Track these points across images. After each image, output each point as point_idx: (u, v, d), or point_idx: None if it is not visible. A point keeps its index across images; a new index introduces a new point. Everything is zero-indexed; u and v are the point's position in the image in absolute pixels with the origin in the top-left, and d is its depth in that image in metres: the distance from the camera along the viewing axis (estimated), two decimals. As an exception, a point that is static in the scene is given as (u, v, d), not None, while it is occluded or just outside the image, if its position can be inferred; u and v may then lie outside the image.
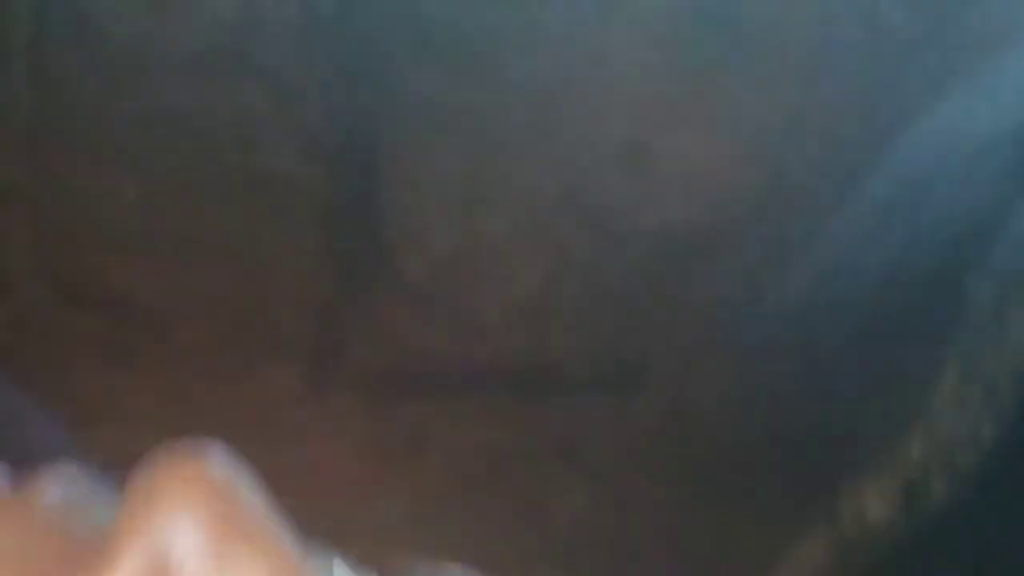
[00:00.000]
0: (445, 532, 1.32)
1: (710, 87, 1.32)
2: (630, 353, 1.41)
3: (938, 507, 0.91)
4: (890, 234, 0.98)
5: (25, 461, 0.52)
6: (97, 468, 0.60)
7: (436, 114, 1.40)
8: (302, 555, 0.33)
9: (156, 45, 1.43)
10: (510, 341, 1.42)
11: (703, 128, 1.33)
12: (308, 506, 1.31)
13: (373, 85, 1.43)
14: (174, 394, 1.48)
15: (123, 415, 1.44)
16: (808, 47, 1.30)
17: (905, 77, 1.24)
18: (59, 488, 0.35)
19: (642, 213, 1.36)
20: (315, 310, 1.53)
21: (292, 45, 1.45)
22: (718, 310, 1.35)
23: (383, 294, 1.47)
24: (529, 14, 1.35)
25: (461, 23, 1.38)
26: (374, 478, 1.39)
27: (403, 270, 1.44)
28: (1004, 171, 0.88)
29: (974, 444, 0.87)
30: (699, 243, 1.35)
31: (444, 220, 1.41)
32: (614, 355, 1.42)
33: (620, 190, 1.36)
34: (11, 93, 1.42)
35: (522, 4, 1.35)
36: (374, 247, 1.46)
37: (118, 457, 1.35)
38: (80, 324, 1.51)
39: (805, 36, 1.30)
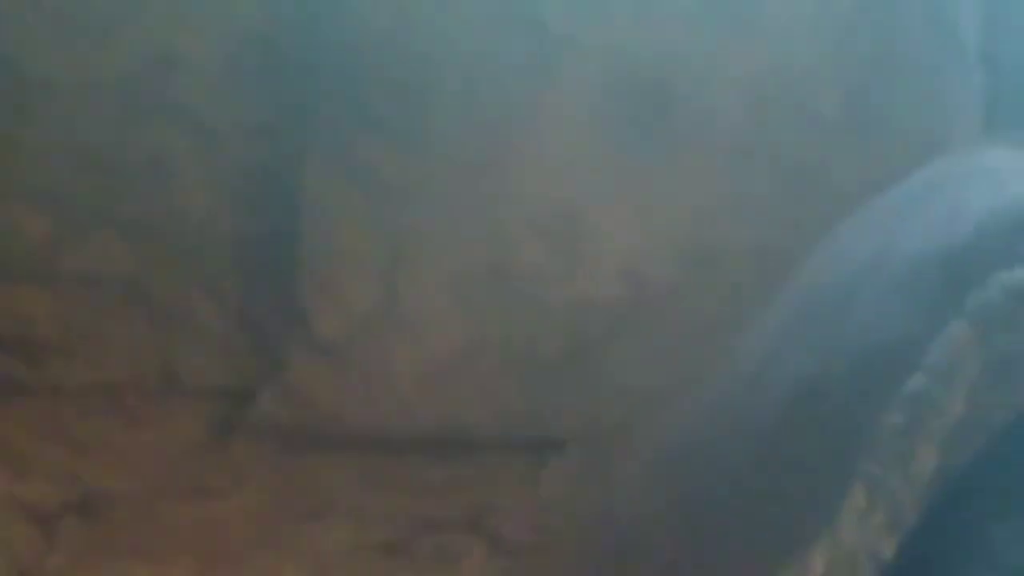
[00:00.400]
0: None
1: (641, 165, 1.32)
2: (544, 424, 1.40)
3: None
4: (808, 340, 0.96)
5: None
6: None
7: (361, 172, 1.38)
8: None
9: (70, 77, 1.41)
10: (423, 404, 1.40)
11: (631, 205, 1.32)
12: (203, 565, 1.27)
13: (298, 137, 1.40)
14: (69, 436, 1.45)
15: (15, 456, 1.40)
16: (741, 132, 1.30)
17: (834, 169, 1.24)
18: None
19: (564, 285, 1.35)
20: (224, 358, 1.50)
21: (216, 87, 1.42)
22: (634, 389, 1.34)
23: (296, 347, 1.44)
24: (464, 81, 1.34)
25: (395, 85, 1.36)
26: (275, 538, 1.36)
27: (318, 324, 1.42)
28: (928, 293, 0.87)
29: (873, 561, 0.87)
30: (618, 320, 1.34)
31: (363, 278, 1.39)
32: (527, 425, 1.41)
33: (544, 261, 1.35)
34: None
35: (457, 70, 1.34)
36: (289, 298, 1.44)
37: (7, 500, 1.31)
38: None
39: (739, 121, 1.30)
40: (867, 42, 1.35)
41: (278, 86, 1.44)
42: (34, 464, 1.40)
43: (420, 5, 1.37)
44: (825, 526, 0.88)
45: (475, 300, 1.37)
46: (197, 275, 1.49)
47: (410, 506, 1.38)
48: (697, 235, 1.32)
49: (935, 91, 1.36)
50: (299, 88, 1.43)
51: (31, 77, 1.44)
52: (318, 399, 1.43)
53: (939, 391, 0.82)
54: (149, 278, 1.49)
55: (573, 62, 1.34)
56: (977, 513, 0.88)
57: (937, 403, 0.82)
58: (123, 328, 1.50)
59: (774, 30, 1.35)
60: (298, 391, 1.44)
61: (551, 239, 1.35)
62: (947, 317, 0.83)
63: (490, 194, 1.35)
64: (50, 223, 1.48)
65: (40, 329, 1.49)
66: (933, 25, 1.37)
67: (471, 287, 1.37)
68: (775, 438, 0.94)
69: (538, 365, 1.37)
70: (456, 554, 1.34)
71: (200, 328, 1.50)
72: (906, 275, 0.90)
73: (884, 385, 0.86)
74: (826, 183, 1.28)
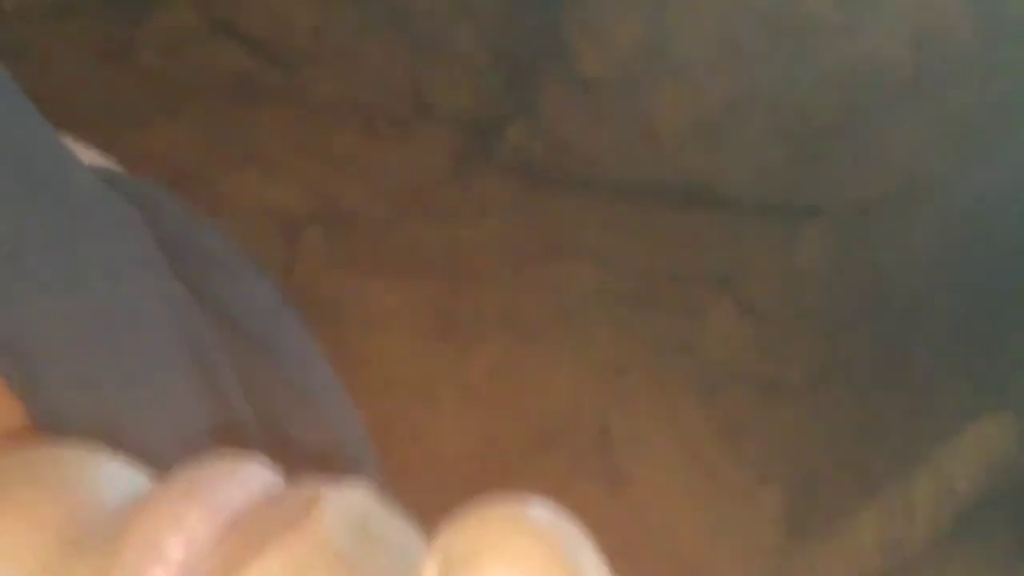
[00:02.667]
0: (586, 338, 1.26)
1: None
2: (804, 189, 1.35)
3: None
4: None
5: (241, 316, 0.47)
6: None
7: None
8: None
9: None
10: (680, 155, 1.36)
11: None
12: (445, 288, 1.25)
13: None
14: (317, 148, 1.42)
15: (265, 161, 1.39)
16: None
17: None
18: (346, 511, 0.28)
19: (846, 43, 1.28)
20: (477, 89, 1.46)
21: None
22: (906, 166, 1.28)
23: (553, 83, 1.40)
24: None
25: None
26: (518, 271, 1.33)
27: (579, 62, 1.37)
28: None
29: None
30: (902, 87, 1.27)
31: (630, 16, 1.34)
32: (787, 188, 1.36)
33: (827, 13, 1.28)
34: None
35: None
36: (551, 33, 1.40)
37: (256, 205, 1.29)
38: (225, 57, 1.45)
39: None
40: None
41: None
42: (283, 172, 1.39)
43: None
44: None
45: (747, 51, 1.31)
46: (458, 1, 1.45)
47: (656, 256, 1.35)
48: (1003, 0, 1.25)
49: None
50: None
51: None
52: (571, 138, 1.40)
53: None
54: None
55: None
56: None
57: None
58: (379, 47, 1.46)
59: None
60: (551, 128, 1.41)
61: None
62: None
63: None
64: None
65: (297, 37, 1.46)
66: None
67: (744, 36, 1.31)
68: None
69: (807, 127, 1.32)
70: (702, 309, 1.31)
71: (456, 56, 1.46)
72: None
73: None
74: None
